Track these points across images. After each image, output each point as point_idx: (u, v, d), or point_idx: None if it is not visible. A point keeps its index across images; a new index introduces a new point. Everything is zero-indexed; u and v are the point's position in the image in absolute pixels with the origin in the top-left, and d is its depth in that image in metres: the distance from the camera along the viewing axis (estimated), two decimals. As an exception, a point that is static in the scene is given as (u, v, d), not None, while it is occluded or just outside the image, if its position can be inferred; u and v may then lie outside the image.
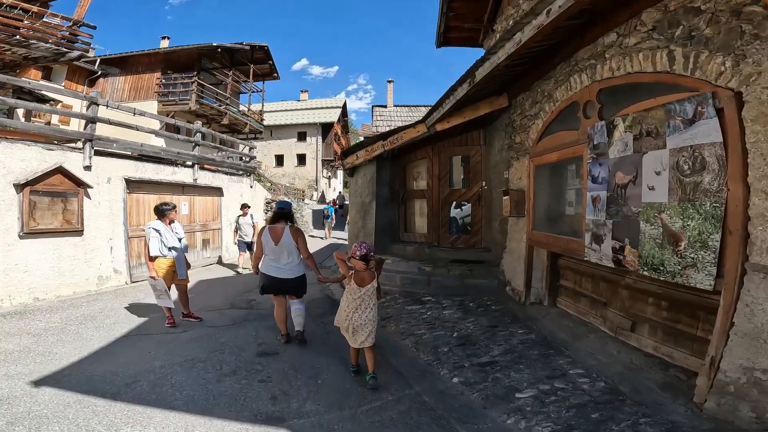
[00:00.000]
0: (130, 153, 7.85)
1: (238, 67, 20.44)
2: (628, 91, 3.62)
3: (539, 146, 5.24)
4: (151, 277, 5.12)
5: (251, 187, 12.39)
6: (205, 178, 9.98)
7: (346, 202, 21.89)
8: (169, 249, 5.24)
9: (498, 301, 5.96)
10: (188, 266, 5.62)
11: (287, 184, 25.58)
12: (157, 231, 5.15)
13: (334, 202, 25.42)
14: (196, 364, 4.07)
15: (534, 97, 5.49)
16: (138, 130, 7.74)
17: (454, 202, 8.00)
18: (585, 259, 3.91)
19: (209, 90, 18.21)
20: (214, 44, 17.62)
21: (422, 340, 4.74)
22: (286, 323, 4.56)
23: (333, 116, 33.96)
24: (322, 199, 32.10)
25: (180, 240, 5.42)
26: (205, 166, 10.24)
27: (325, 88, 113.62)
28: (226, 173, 10.94)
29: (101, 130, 7.20)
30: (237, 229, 9.48)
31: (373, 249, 8.20)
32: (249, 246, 9.32)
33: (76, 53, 8.46)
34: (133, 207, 7.79)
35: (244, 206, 9.56)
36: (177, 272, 5.34)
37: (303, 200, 26.01)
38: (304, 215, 18.91)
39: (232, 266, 10.31)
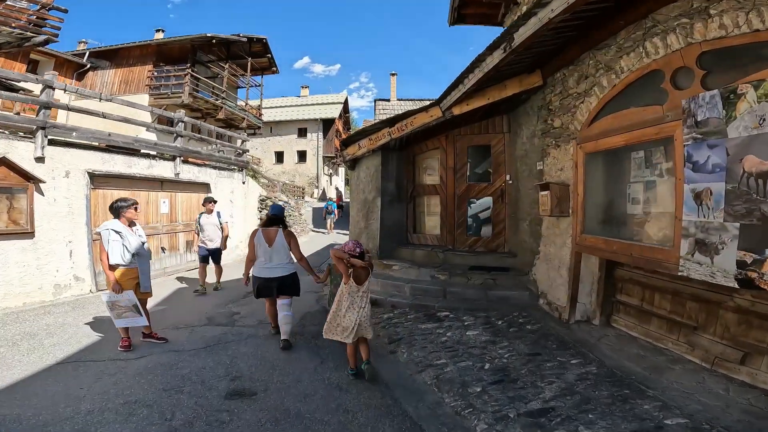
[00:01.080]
0: (96, 144, 6.78)
1: (236, 61, 19.38)
2: (751, 52, 2.56)
3: (593, 129, 4.14)
4: (113, 291, 4.06)
5: (243, 183, 11.33)
6: (190, 172, 8.92)
7: (347, 200, 20.73)
8: (133, 255, 4.18)
9: (532, 318, 4.87)
10: None
11: (287, 182, 24.51)
12: (117, 233, 4.09)
13: (339, 197, 24.33)
14: (138, 411, 3.00)
15: (582, 71, 4.41)
16: (105, 118, 6.67)
17: (472, 199, 6.90)
18: (679, 273, 2.81)
19: (204, 83, 17.17)
20: (209, 35, 16.56)
21: (445, 375, 3.64)
22: (276, 318, 4.51)
23: (334, 112, 32.88)
24: (323, 197, 31.05)
25: (143, 244, 4.35)
26: (190, 159, 9.18)
27: (327, 87, 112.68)
28: (215, 167, 9.88)
29: (92, 123, 6.13)
30: (198, 231, 7.03)
31: (378, 251, 7.16)
32: (214, 255, 7.08)
33: (41, 38, 7.40)
34: (99, 205, 6.73)
35: (208, 201, 7.01)
36: (140, 284, 4.27)
37: (303, 198, 24.97)
38: (303, 214, 17.86)
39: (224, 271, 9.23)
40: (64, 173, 6.14)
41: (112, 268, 4.05)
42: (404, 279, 6.37)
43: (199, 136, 9.53)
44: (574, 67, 4.62)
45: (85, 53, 17.00)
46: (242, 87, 21.93)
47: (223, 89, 18.13)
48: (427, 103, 6.54)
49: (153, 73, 16.92)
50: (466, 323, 4.98)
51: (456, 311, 5.40)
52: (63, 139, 6.12)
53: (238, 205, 11.00)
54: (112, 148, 6.93)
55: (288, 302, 4.40)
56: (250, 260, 4.42)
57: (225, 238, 7.19)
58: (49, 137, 5.88)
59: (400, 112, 15.58)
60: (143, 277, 4.26)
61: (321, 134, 31.92)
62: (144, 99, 16.50)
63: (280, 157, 32.37)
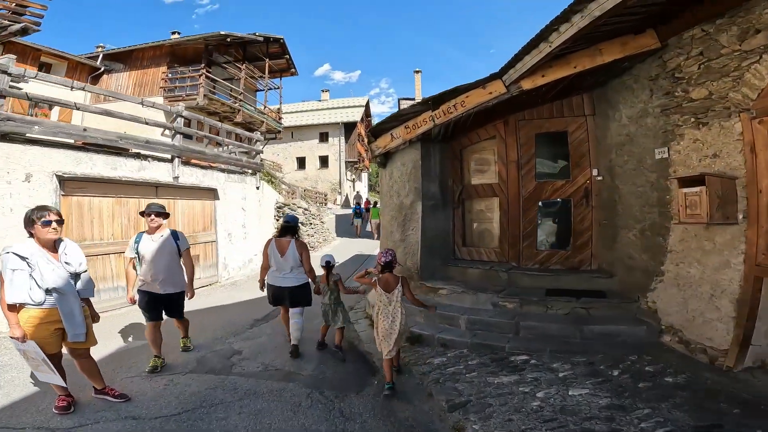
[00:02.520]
0: (69, 141, 5.50)
1: (253, 63, 18.50)
2: None
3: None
4: (14, 338, 2.69)
5: (257, 188, 10.00)
6: (192, 176, 7.62)
7: (372, 206, 19.18)
8: (48, 291, 2.77)
9: (665, 365, 3.32)
10: (94, 318, 3.19)
11: (308, 188, 23.30)
12: (22, 259, 2.70)
13: (367, 201, 23.04)
14: None
15: (749, 22, 2.86)
16: (80, 109, 5.39)
17: (541, 202, 5.24)
18: None
19: (222, 85, 16.22)
20: (222, 33, 15.59)
21: None
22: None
23: (356, 115, 31.69)
24: (346, 203, 29.79)
25: (72, 275, 2.94)
26: (193, 160, 7.89)
27: (347, 92, 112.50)
28: (223, 170, 8.57)
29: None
30: (135, 263, 3.96)
31: (418, 271, 5.59)
32: (170, 305, 4.11)
33: (18, 26, 6.27)
34: (73, 214, 5.46)
35: (153, 213, 3.93)
36: (66, 332, 2.87)
37: (325, 204, 23.70)
38: (325, 222, 16.47)
39: (234, 289, 7.88)
40: (23, 176, 4.88)
41: (12, 308, 2.66)
42: (456, 308, 4.82)
43: (203, 133, 8.24)
44: (729, 19, 3.05)
45: (98, 56, 16.27)
46: (261, 90, 21.05)
47: (241, 91, 17.15)
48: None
49: (167, 75, 16.11)
50: (560, 374, 3.45)
51: (539, 355, 3.86)
52: (21, 134, 4.85)
53: (251, 214, 9.68)
54: (90, 147, 5.66)
55: (299, 311, 4.36)
56: (265, 268, 4.43)
57: (191, 278, 4.16)
58: (1, 131, 4.61)
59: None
60: (69, 322, 2.84)
61: (343, 138, 30.74)
62: (158, 102, 15.77)
63: (301, 162, 31.38)
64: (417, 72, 20.76)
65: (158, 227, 3.95)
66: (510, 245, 5.24)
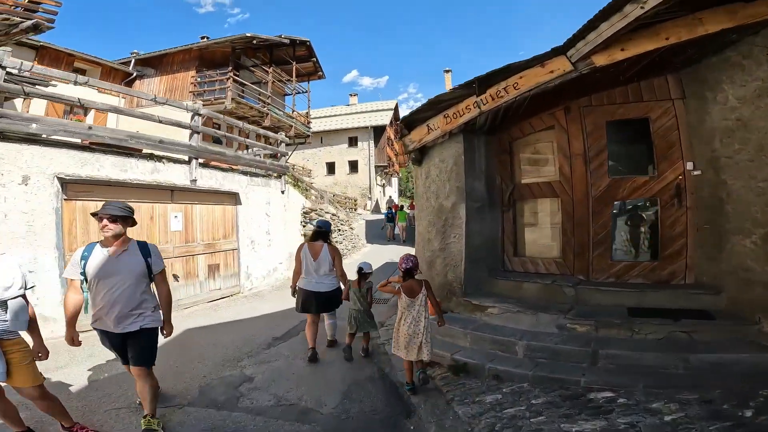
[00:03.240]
0: (73, 140, 5.01)
1: (281, 66, 18.26)
2: None
3: None
4: None
5: (282, 192, 9.42)
6: (211, 179, 7.08)
7: (399, 209, 18.37)
8: None
9: None
10: (42, 354, 2.54)
11: (338, 194, 22.78)
12: None
13: (395, 205, 22.46)
14: None
15: None
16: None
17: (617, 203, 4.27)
18: None
19: (250, 89, 16.02)
20: (248, 35, 15.38)
21: None
22: (315, 339, 4.31)
23: (385, 119, 31.06)
24: (376, 209, 29.16)
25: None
26: (213, 162, 7.36)
27: (375, 98, 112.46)
28: (245, 173, 8.01)
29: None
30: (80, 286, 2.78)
31: (461, 285, 4.73)
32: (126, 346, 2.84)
33: (29, 23, 5.92)
34: (77, 220, 4.97)
35: (107, 217, 2.68)
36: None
37: (355, 210, 23.12)
38: (354, 228, 15.81)
39: (256, 300, 7.28)
40: (20, 179, 4.40)
41: None
42: (510, 330, 3.97)
43: (222, 133, 7.71)
44: None
45: (131, 61, 16.40)
46: (289, 94, 20.85)
47: (268, 95, 16.86)
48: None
49: (196, 79, 16.04)
50: (666, 417, 2.71)
51: (628, 391, 2.98)
52: (17, 133, 4.37)
53: (276, 219, 9.09)
54: (96, 147, 5.17)
55: (332, 313, 4.48)
56: (297, 273, 4.38)
57: (168, 311, 3.06)
58: (-5, 127, 4.15)
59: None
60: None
61: (372, 143, 30.21)
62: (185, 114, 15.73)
63: (331, 168, 31.06)
64: (447, 71, 19.98)
65: (118, 238, 2.68)
66: (576, 255, 4.31)
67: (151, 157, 5.93)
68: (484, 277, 4.73)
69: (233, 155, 7.63)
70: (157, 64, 16.87)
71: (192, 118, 6.73)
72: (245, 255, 7.99)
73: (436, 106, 4.81)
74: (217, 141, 14.55)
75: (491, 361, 3.72)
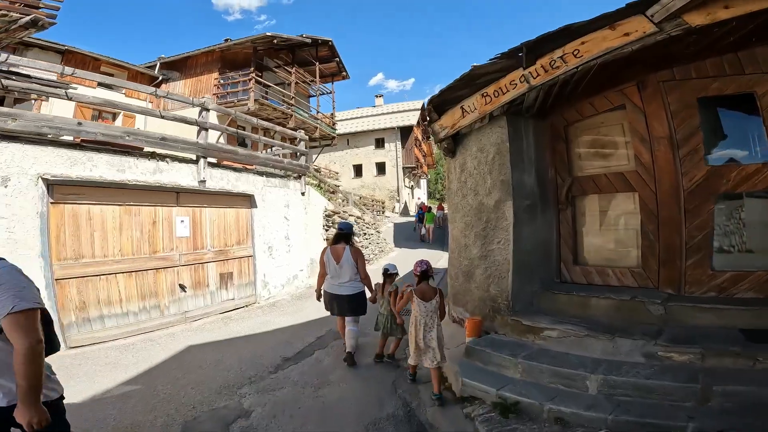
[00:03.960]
0: (61, 137, 4.47)
1: (304, 67, 17.90)
2: None
3: None
4: None
5: (303, 194, 8.76)
6: (222, 179, 6.48)
7: (426, 211, 17.82)
8: None
9: None
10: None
11: (364, 196, 22.10)
12: None
13: (424, 206, 21.76)
14: None
15: None
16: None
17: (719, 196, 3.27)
18: None
19: (273, 91, 15.75)
20: (269, 34, 15.03)
21: None
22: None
23: (412, 119, 30.21)
24: (404, 211, 28.34)
25: None
26: (224, 162, 6.77)
27: (402, 101, 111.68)
28: (261, 173, 7.38)
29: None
30: None
31: (508, 301, 3.81)
32: None
33: (27, 18, 5.50)
34: (65, 226, 4.42)
35: None
36: None
37: (383, 212, 22.38)
38: (381, 231, 15.03)
39: (272, 312, 6.61)
40: (-1, 180, 3.87)
41: None
42: (577, 359, 3.10)
43: (234, 130, 7.11)
44: None
45: (156, 65, 16.38)
46: (313, 96, 20.48)
47: (292, 95, 16.44)
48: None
49: (219, 81, 15.85)
50: None
51: None
52: (-6, 126, 3.85)
53: (295, 223, 8.44)
54: (89, 145, 4.62)
55: (354, 319, 4.29)
56: (321, 276, 4.35)
57: (30, 379, 1.48)
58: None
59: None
60: None
61: (399, 143, 29.43)
62: (214, 116, 15.62)
63: (358, 170, 30.51)
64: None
65: None
66: (662, 264, 3.35)
67: (153, 155, 5.35)
68: (537, 290, 3.83)
69: (246, 153, 7.01)
70: (181, 67, 16.79)
71: (199, 114, 6.14)
72: (261, 262, 7.36)
73: (471, 83, 3.97)
74: (242, 144, 14.21)
75: (552, 399, 2.86)
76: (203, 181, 6.02)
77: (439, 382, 3.29)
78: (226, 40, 18.41)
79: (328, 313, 5.01)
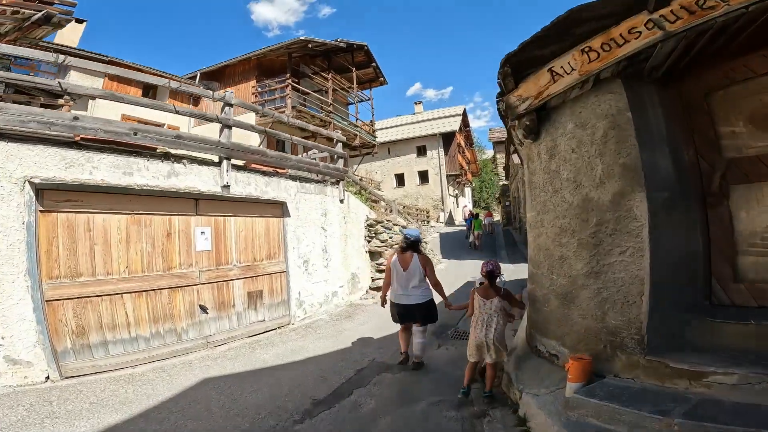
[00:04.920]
0: (53, 133, 3.75)
1: (341, 74, 17.45)
2: None
3: None
4: None
5: (341, 201, 7.84)
6: (250, 184, 5.66)
7: (474, 217, 16.84)
8: None
9: None
10: None
11: (408, 205, 21.06)
12: None
13: (470, 212, 20.63)
14: None
15: None
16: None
17: None
18: None
19: (311, 98, 15.38)
20: (302, 38, 14.60)
21: None
22: (408, 343, 4.27)
23: (454, 125, 29.06)
24: (450, 221, 27.04)
25: None
26: (252, 165, 5.97)
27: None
28: (294, 178, 6.53)
29: None
30: None
31: (642, 334, 2.61)
32: None
33: (40, 14, 5.03)
34: (59, 238, 3.68)
35: None
36: None
37: (428, 222, 21.24)
38: (428, 242, 13.87)
39: (308, 335, 5.66)
40: (-29, 184, 3.17)
41: None
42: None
43: (262, 128, 6.31)
44: None
45: (197, 76, 16.41)
46: (351, 103, 20.00)
47: (330, 102, 15.87)
48: None
49: (256, 89, 15.61)
50: None
51: None
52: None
53: (334, 234, 7.52)
54: (89, 144, 3.89)
55: (422, 329, 4.19)
56: (387, 284, 4.33)
57: None
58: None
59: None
60: None
61: (441, 150, 28.31)
62: (251, 118, 15.38)
63: (400, 179, 29.64)
64: None
65: None
66: None
67: (167, 156, 4.60)
68: (685, 318, 2.57)
69: (277, 155, 6.16)
70: (219, 77, 16.73)
71: (222, 110, 5.38)
72: (296, 278, 6.46)
73: (566, 34, 2.84)
74: (281, 149, 13.71)
75: None
76: (227, 186, 5.22)
77: (491, 380, 3.30)
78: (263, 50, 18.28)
79: (370, 336, 4.61)
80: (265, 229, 6.00)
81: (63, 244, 3.69)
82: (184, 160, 4.76)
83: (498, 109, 3.61)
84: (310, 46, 14.76)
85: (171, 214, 4.61)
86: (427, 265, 4.18)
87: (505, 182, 26.53)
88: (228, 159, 5.24)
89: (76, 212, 3.80)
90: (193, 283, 4.85)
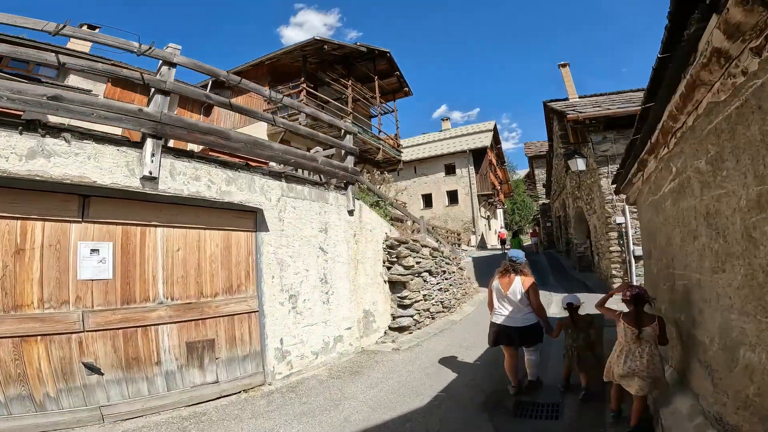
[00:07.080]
0: None
1: (363, 84, 16.14)
2: None
3: None
4: None
5: (350, 213, 5.80)
6: (199, 179, 3.70)
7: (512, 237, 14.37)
8: None
9: None
10: None
11: (437, 226, 18.84)
12: None
13: (501, 233, 18.29)
14: None
15: None
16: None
17: None
18: None
19: (330, 106, 13.90)
20: (317, 38, 13.23)
21: None
22: (516, 373, 4.04)
23: (485, 140, 26.91)
24: (482, 244, 24.53)
25: None
26: (211, 152, 4.04)
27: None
28: (277, 175, 4.57)
29: None
30: None
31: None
32: None
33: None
34: None
35: None
36: None
37: (459, 245, 18.91)
38: (463, 267, 11.56)
39: (287, 408, 3.52)
40: None
41: None
42: None
43: (308, 130, 4.39)
44: None
45: (208, 84, 15.20)
46: (374, 116, 18.44)
47: (350, 111, 14.24)
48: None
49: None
50: None
51: None
52: None
53: (338, 258, 5.46)
54: None
55: (533, 348, 4.03)
56: (490, 306, 4.18)
57: None
58: None
59: (592, 113, 8.89)
60: None
61: (472, 168, 26.11)
62: (263, 127, 13.99)
63: (428, 200, 27.58)
64: (563, 66, 15.11)
65: None
66: None
67: (33, 126, 2.70)
68: None
69: (247, 139, 4.16)
70: (232, 84, 15.47)
71: (158, 70, 3.50)
72: (276, 320, 4.39)
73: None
74: (286, 142, 12.05)
75: None
76: (152, 179, 3.26)
77: (638, 414, 2.87)
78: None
79: (387, 407, 3.64)
80: (224, 248, 3.99)
81: None
82: (66, 134, 2.85)
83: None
84: (326, 48, 13.28)
85: (27, 219, 2.67)
86: (531, 289, 3.96)
87: (545, 201, 23.91)
88: (157, 138, 3.31)
89: None
90: (69, 330, 2.84)
